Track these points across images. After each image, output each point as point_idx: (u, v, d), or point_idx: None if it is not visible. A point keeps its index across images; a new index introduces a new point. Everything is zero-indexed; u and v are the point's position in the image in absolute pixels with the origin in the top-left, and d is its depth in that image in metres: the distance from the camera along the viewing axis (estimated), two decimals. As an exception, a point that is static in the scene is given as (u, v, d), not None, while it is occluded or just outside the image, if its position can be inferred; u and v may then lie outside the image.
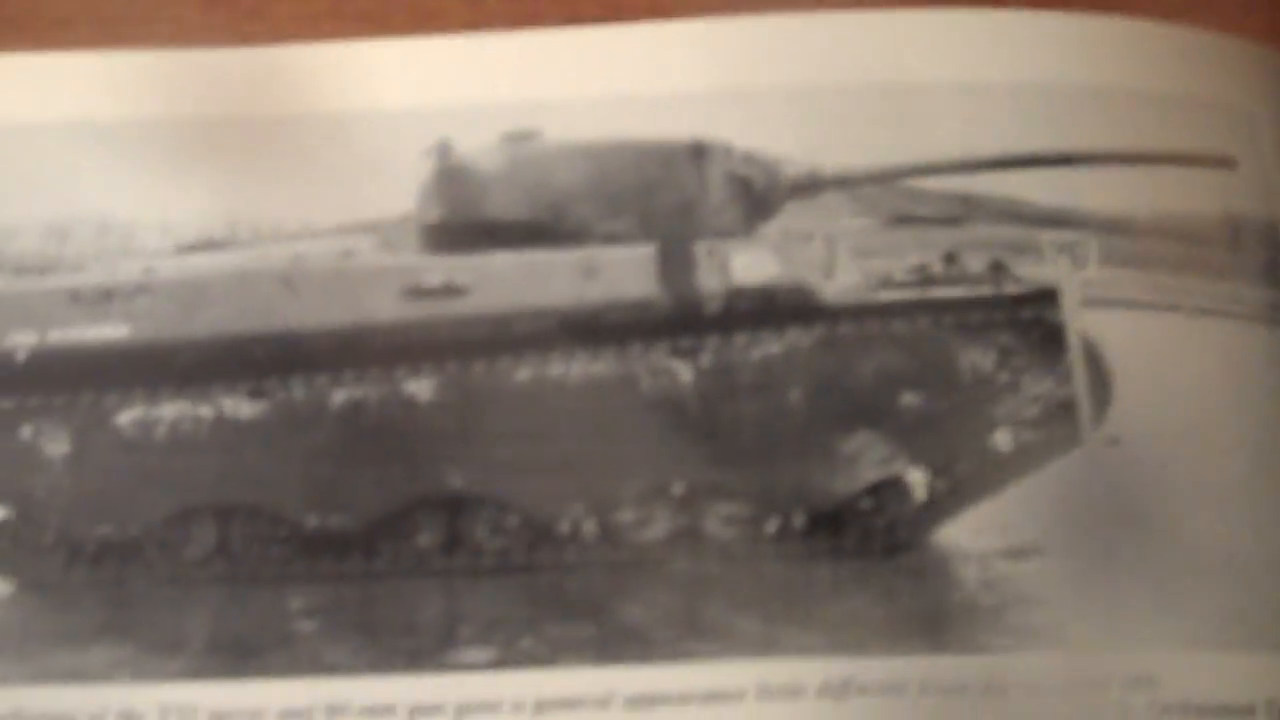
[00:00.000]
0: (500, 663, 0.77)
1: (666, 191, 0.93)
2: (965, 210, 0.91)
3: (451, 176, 0.93)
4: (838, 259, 0.91)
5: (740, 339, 0.89)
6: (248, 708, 0.74)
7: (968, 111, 0.88)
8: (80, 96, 0.89)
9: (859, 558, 0.86)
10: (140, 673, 0.77)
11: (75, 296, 0.92)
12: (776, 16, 0.91)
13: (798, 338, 0.89)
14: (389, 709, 0.74)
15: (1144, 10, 0.91)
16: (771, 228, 0.94)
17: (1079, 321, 0.85)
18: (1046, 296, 0.87)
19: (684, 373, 0.89)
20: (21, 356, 0.91)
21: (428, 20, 0.93)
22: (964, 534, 0.87)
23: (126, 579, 0.87)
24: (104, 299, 0.91)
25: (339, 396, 0.90)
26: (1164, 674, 0.73)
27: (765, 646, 0.76)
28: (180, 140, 0.89)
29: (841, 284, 0.91)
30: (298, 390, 0.90)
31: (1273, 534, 0.79)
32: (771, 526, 0.87)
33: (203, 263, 0.91)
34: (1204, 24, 0.91)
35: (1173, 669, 0.74)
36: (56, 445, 0.91)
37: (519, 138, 0.92)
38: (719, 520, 0.88)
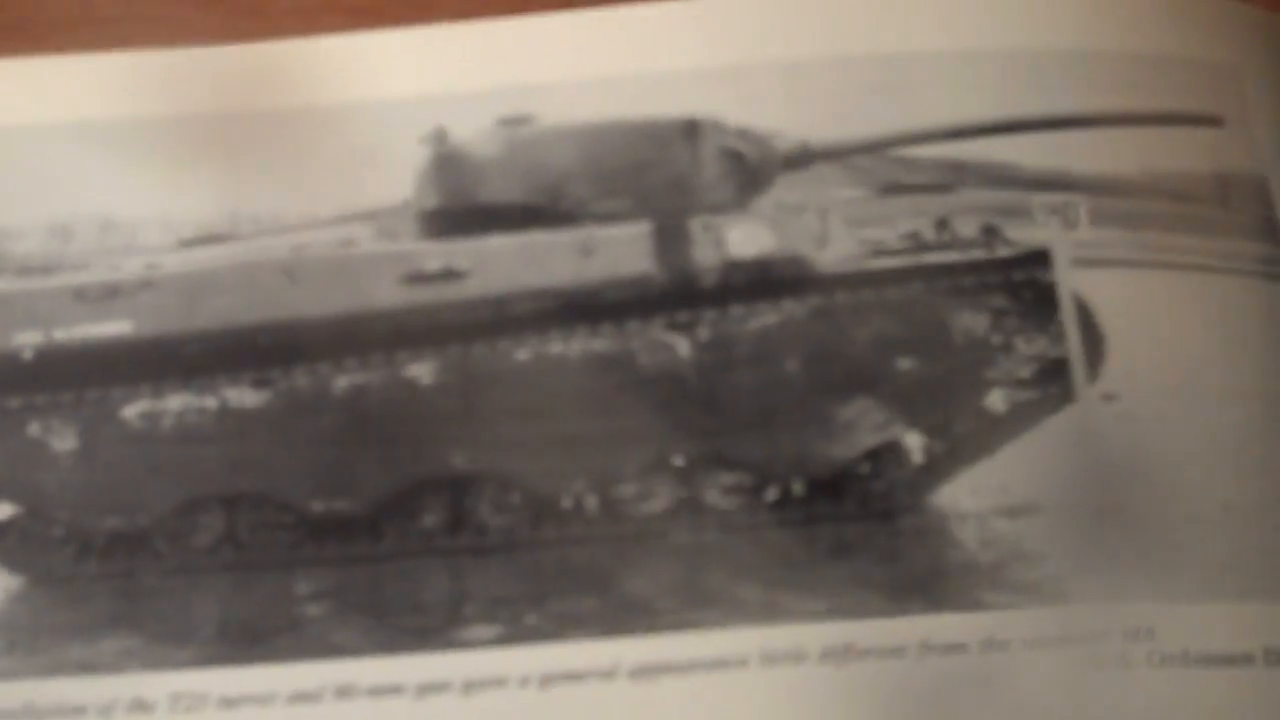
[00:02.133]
0: (506, 639, 0.77)
1: (660, 169, 0.93)
2: (956, 176, 0.91)
3: (447, 163, 0.93)
4: (831, 229, 0.91)
5: (736, 311, 0.89)
6: (257, 693, 0.75)
7: (956, 79, 0.88)
8: (80, 98, 0.90)
9: (858, 522, 0.86)
10: (150, 662, 0.77)
11: (80, 294, 0.92)
12: None
13: (793, 308, 0.89)
14: (397, 689, 0.74)
15: None
16: (765, 201, 0.94)
17: (1071, 281, 0.85)
18: (1038, 258, 0.87)
19: (681, 346, 0.89)
20: (28, 355, 0.92)
21: (421, 11, 0.93)
22: (962, 494, 0.86)
23: (136, 570, 0.88)
24: (108, 296, 0.92)
25: (342, 383, 0.90)
26: (1162, 625, 0.74)
27: (767, 613, 0.77)
28: (180, 137, 0.90)
29: (835, 253, 0.91)
30: (301, 378, 0.91)
31: (1267, 484, 0.79)
32: (771, 495, 0.87)
33: (204, 256, 0.91)
34: None
35: (1170, 620, 0.74)
36: (64, 441, 0.92)
37: (513, 122, 0.93)
38: (719, 491, 0.88)
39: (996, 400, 0.89)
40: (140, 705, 0.74)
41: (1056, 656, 0.73)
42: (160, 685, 0.75)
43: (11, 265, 0.91)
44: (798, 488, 0.87)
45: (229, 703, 0.74)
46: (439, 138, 0.92)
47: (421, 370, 0.90)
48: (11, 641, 0.81)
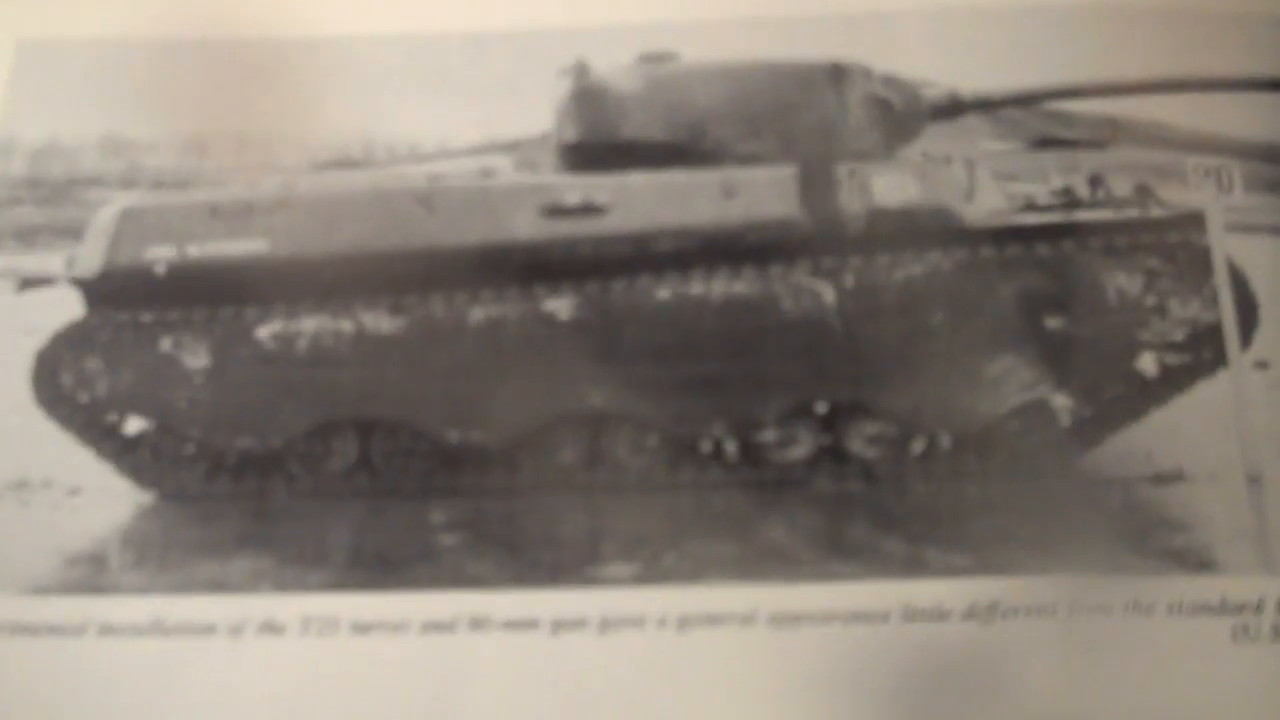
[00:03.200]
0: (643, 578, 0.77)
1: (806, 113, 0.92)
2: (1111, 133, 0.89)
3: (589, 96, 0.92)
4: (979, 182, 0.90)
5: (883, 260, 0.88)
6: (391, 619, 0.74)
7: (1110, 35, 0.87)
8: (213, 16, 0.90)
9: (1005, 481, 0.85)
10: (282, 584, 0.77)
11: (214, 211, 0.91)
12: None
13: (939, 259, 0.88)
14: (532, 622, 0.74)
15: None
16: (912, 150, 0.93)
17: (1225, 245, 0.83)
18: (1193, 220, 0.85)
19: (826, 292, 0.88)
20: (161, 270, 0.91)
21: None
22: (1108, 460, 0.86)
23: (268, 491, 0.88)
24: (243, 213, 0.91)
25: (478, 314, 0.90)
26: None
27: (910, 567, 0.76)
28: (313, 59, 0.89)
29: (983, 206, 0.89)
30: (437, 307, 0.90)
31: None
32: (917, 447, 0.86)
33: (341, 180, 0.91)
34: None
35: None
36: (196, 358, 0.91)
37: (656, 59, 0.92)
38: (863, 440, 0.87)
39: (1148, 363, 0.88)
40: (271, 626, 0.74)
41: (1207, 624, 0.72)
42: (292, 607, 0.74)
43: (146, 178, 0.91)
44: (944, 441, 0.86)
45: (361, 628, 0.74)
46: (580, 71, 0.92)
47: (559, 305, 0.89)
48: (141, 556, 0.81)
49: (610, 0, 0.90)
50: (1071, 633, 0.72)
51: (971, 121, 0.92)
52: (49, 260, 0.91)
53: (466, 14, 0.90)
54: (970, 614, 0.73)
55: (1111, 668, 0.71)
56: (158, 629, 0.74)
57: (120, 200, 0.92)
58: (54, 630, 0.74)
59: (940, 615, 0.73)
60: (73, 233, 0.91)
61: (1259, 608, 0.72)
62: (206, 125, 0.90)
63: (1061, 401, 0.87)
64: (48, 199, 0.91)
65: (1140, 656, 0.71)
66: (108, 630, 0.74)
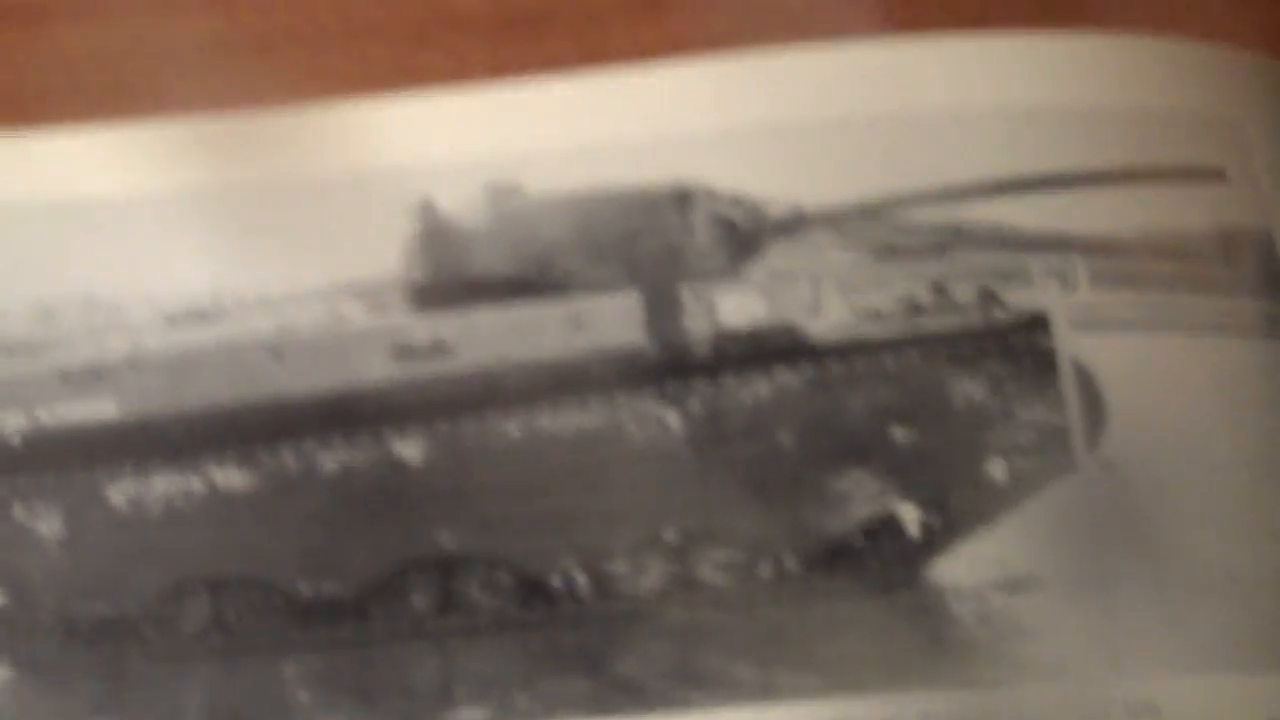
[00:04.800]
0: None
1: (651, 237, 0.93)
2: (952, 239, 0.91)
3: (435, 236, 0.93)
4: (824, 296, 0.91)
5: (729, 383, 0.89)
6: None
7: (952, 139, 0.88)
8: (62, 174, 0.91)
9: (854, 598, 0.85)
10: None
11: (64, 376, 0.92)
12: (755, 56, 0.92)
13: (786, 378, 0.89)
14: None
15: (1123, 24, 0.91)
16: (757, 268, 0.94)
17: (1070, 346, 0.85)
18: (1037, 323, 0.86)
19: (673, 420, 0.89)
20: (14, 440, 0.92)
21: (408, 76, 0.95)
22: (960, 568, 0.85)
23: (123, 656, 0.87)
24: (93, 377, 0.92)
25: (328, 462, 0.90)
26: (1165, 701, 0.74)
27: (762, 691, 0.77)
28: (163, 213, 0.91)
29: (829, 321, 0.90)
30: (287, 457, 0.90)
31: (1274, 551, 0.78)
32: (765, 570, 0.86)
33: (190, 336, 0.92)
34: (1185, 32, 0.91)
35: (1175, 695, 0.74)
36: (50, 526, 0.92)
37: (502, 191, 0.93)
38: (712, 566, 0.87)
39: (996, 469, 0.88)
40: None
41: None
42: None
43: (-4, 347, 0.92)
44: (791, 563, 0.86)
45: None
46: (426, 210, 0.93)
47: (409, 449, 0.90)
48: (-5, 734, 0.82)
49: (455, 134, 0.92)
50: (924, 750, 0.73)
51: (817, 235, 0.92)
52: (-101, 435, 0.91)
53: (310, 157, 0.91)
54: None
55: None
56: None
57: (-33, 366, 0.93)
58: None
59: None
60: (-78, 406, 0.91)
61: (1106, 715, 0.73)
62: (53, 289, 0.91)
63: (909, 513, 0.88)
64: None
65: None
66: None
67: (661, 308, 0.90)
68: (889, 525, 0.88)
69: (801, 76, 0.91)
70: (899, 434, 0.88)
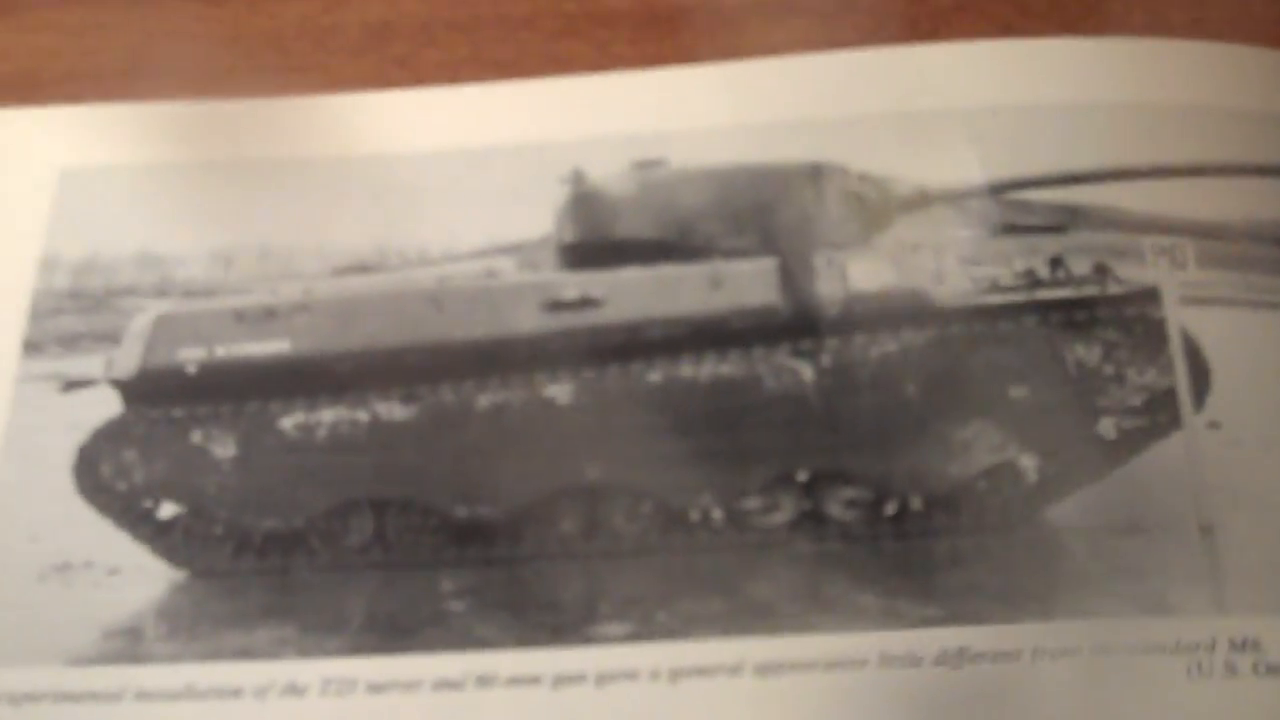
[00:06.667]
0: (637, 635, 0.83)
1: (786, 209, 1.00)
2: (1069, 219, 0.97)
3: (585, 201, 1.01)
4: (948, 266, 0.97)
5: (858, 340, 0.96)
6: (404, 679, 0.81)
7: (1068, 130, 0.94)
8: (247, 140, 0.98)
9: (974, 535, 0.92)
10: (303, 650, 0.84)
11: (240, 316, 1.01)
12: (878, 50, 0.99)
13: (912, 337, 0.95)
14: (535, 679, 0.81)
15: (1227, 35, 0.97)
16: (885, 239, 1.00)
17: (1179, 317, 0.91)
18: (1149, 295, 0.92)
19: (805, 371, 0.96)
20: (191, 370, 1.00)
21: (558, 65, 1.02)
22: (1074, 512, 0.92)
23: (290, 566, 0.95)
24: (266, 317, 1.00)
25: (484, 400, 0.98)
26: (1267, 638, 0.78)
27: (886, 618, 0.83)
28: (334, 177, 0.98)
29: (952, 289, 0.97)
30: (446, 395, 0.98)
31: None
32: (890, 508, 0.93)
33: (356, 284, 1.00)
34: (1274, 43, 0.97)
35: (1276, 633, 0.78)
36: (224, 448, 1.00)
37: (647, 165, 1.00)
38: (840, 504, 0.94)
39: (1107, 427, 0.94)
40: (293, 689, 0.81)
41: (1164, 663, 0.78)
42: (312, 671, 0.82)
43: (177, 288, 0.99)
44: (916, 502, 0.93)
45: (376, 688, 0.81)
46: (578, 178, 1.00)
47: (559, 391, 0.97)
48: (173, 628, 0.89)
49: (602, 113, 0.99)
50: (1036, 675, 0.78)
51: (940, 212, 0.98)
52: (89, 363, 0.99)
53: (471, 131, 0.98)
54: (941, 660, 0.79)
55: (1077, 707, 0.77)
56: (189, 694, 0.82)
57: (154, 308, 1.01)
58: (94, 697, 0.82)
59: (913, 662, 0.79)
60: (111, 338, 1.00)
61: (1212, 647, 0.78)
62: (233, 238, 0.98)
63: (1027, 462, 0.94)
64: (88, 309, 0.98)
65: (1106, 695, 0.77)
66: (143, 696, 0.82)
67: (796, 272, 0.97)
68: (1009, 471, 0.94)
69: (927, 70, 0.97)
70: (1017, 392, 0.94)
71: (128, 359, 1.01)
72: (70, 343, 0.97)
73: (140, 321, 1.01)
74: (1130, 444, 0.94)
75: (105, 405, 1.00)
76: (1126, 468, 0.92)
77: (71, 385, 0.97)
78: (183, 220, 0.98)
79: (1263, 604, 0.80)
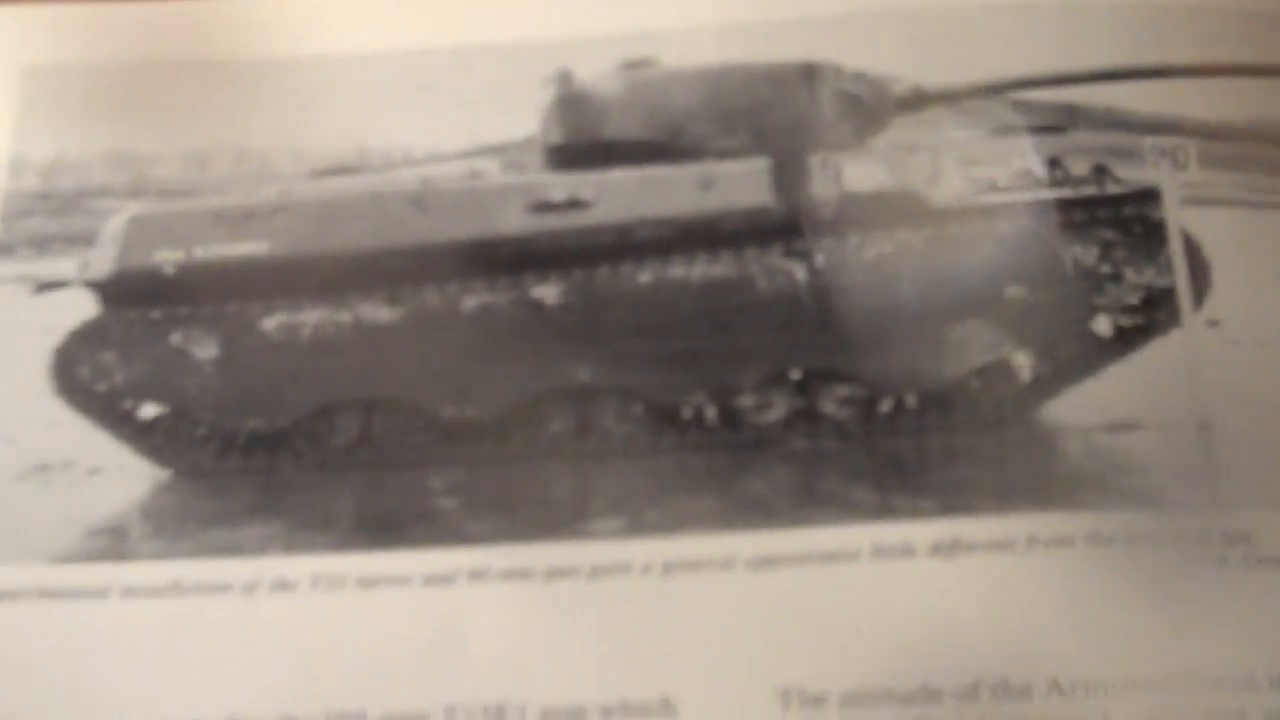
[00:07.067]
0: (629, 531, 0.86)
1: (779, 109, 1.03)
2: (1068, 119, 1.00)
3: (572, 101, 1.04)
4: (944, 167, 1.01)
5: (852, 240, 0.99)
6: (394, 574, 0.84)
7: (1069, 28, 0.97)
8: (212, 39, 1.00)
9: (968, 432, 0.96)
10: (292, 546, 0.86)
11: (218, 216, 1.04)
12: None
13: (907, 238, 0.99)
14: (526, 572, 0.83)
15: None
16: (881, 141, 1.04)
17: (1179, 217, 0.93)
18: (1148, 195, 0.95)
19: (799, 271, 1.00)
20: (169, 271, 1.04)
21: None
22: (1068, 410, 0.96)
23: (276, 466, 0.98)
24: (245, 218, 1.03)
25: (470, 302, 1.02)
26: (1259, 531, 0.82)
27: (880, 512, 0.86)
28: (307, 76, 1.00)
29: (948, 189, 1.00)
30: (431, 296, 1.02)
31: None
32: (885, 406, 0.97)
33: (336, 185, 1.02)
34: None
35: (1267, 527, 0.82)
36: (205, 349, 1.04)
37: (636, 65, 1.03)
38: (835, 402, 0.97)
39: (1103, 324, 0.98)
40: (282, 584, 0.84)
41: (1157, 554, 0.81)
42: (301, 566, 0.84)
43: (151, 189, 1.02)
44: (910, 400, 0.97)
45: (367, 583, 0.84)
46: (564, 78, 1.02)
47: (547, 291, 1.01)
48: (158, 527, 0.92)
49: (589, 12, 1.01)
50: (1033, 563, 0.82)
51: (937, 113, 1.02)
52: (63, 265, 1.02)
53: (452, 29, 1.01)
54: (935, 550, 0.82)
55: (1072, 595, 0.81)
56: (176, 590, 0.84)
57: (129, 209, 1.04)
58: (78, 593, 0.84)
59: (907, 552, 0.83)
60: (84, 240, 1.03)
61: (1205, 539, 0.82)
62: (207, 139, 1.01)
63: (1021, 359, 0.98)
64: (58, 210, 1.01)
65: (1100, 582, 0.81)
66: (129, 592, 0.84)
67: (789, 173, 1.01)
68: (1002, 370, 0.98)
69: None
70: (1013, 291, 0.98)
71: (103, 260, 1.04)
72: (42, 244, 0.98)
73: (115, 222, 1.04)
74: (1126, 341, 0.98)
75: (81, 307, 1.03)
76: (1124, 366, 0.96)
77: (45, 287, 0.99)
78: (154, 120, 1.00)
79: (1257, 499, 0.83)
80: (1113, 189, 0.99)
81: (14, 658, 0.82)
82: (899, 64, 1.01)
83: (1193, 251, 0.93)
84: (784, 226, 1.00)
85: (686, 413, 0.98)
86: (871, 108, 1.03)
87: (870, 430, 0.96)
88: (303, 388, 1.02)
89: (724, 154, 1.03)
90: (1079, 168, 1.00)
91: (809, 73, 1.03)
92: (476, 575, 0.84)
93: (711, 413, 0.98)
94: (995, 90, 1.00)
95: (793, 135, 1.03)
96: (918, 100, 1.04)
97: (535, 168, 1.04)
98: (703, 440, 0.98)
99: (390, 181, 1.03)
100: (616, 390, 0.99)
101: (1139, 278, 0.98)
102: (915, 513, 0.85)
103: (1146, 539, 0.82)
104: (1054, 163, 1.00)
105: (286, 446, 1.00)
